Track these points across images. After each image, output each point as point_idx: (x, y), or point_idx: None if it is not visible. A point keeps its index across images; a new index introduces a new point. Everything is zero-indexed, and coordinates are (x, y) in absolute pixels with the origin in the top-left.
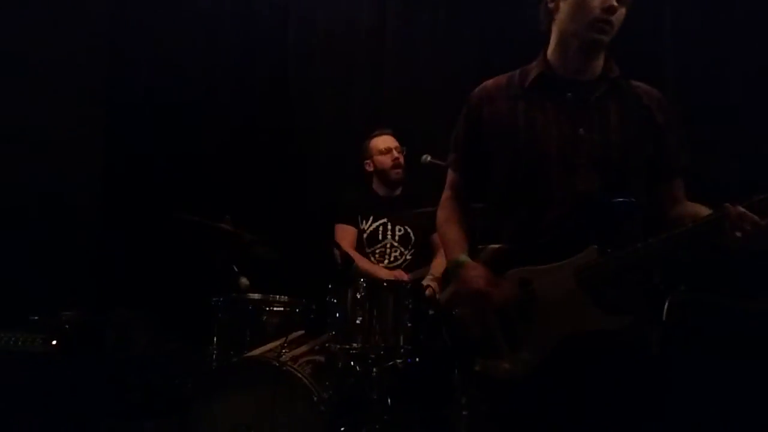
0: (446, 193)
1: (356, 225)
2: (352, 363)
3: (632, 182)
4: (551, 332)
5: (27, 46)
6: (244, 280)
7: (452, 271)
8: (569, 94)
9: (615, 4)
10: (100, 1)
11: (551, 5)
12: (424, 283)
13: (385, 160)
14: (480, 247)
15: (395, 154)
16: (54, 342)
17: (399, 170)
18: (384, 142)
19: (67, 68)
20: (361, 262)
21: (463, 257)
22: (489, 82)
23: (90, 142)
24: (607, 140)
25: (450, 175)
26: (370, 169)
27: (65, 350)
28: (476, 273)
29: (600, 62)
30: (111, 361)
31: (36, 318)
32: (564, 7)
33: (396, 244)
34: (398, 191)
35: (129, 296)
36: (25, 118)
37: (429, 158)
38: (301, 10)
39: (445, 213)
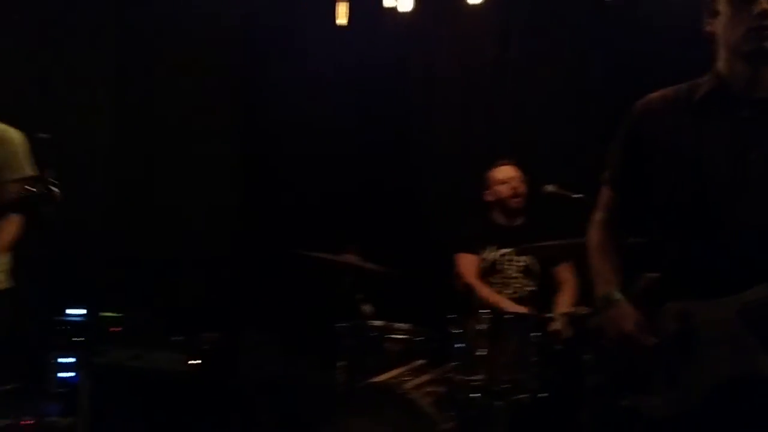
0: (598, 215)
1: (478, 254)
2: (474, 395)
3: None
4: (710, 372)
5: (172, 91)
6: (367, 307)
7: (601, 305)
8: (743, 113)
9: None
10: (234, 50)
11: (708, 29)
12: (552, 315)
13: (504, 190)
14: (636, 276)
15: (514, 183)
16: (195, 362)
17: (518, 199)
18: (502, 172)
19: (207, 110)
20: (484, 291)
21: (617, 295)
22: (654, 95)
23: (227, 175)
24: None
25: (604, 193)
26: (490, 199)
27: (205, 370)
28: (624, 314)
29: None
30: (243, 381)
31: (179, 338)
32: (719, 26)
33: (518, 275)
34: (519, 221)
35: (259, 319)
36: (168, 161)
37: (552, 188)
38: (422, 42)
39: (597, 237)
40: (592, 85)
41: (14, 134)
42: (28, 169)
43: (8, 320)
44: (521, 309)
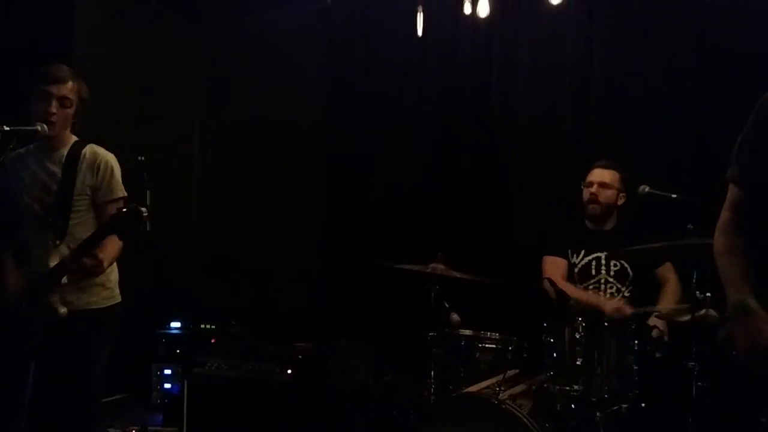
0: (726, 214)
1: (566, 257)
2: (572, 406)
3: None
4: None
5: (259, 109)
6: (455, 316)
7: (735, 312)
8: None
9: None
10: (315, 58)
11: None
12: (650, 323)
13: (585, 194)
14: None
15: (593, 188)
16: (289, 371)
17: (594, 206)
18: (591, 175)
19: (293, 128)
20: (577, 293)
21: (753, 303)
22: None
23: (315, 190)
24: None
25: (732, 191)
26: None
27: (298, 379)
28: (762, 327)
29: None
30: (335, 389)
31: (273, 348)
32: None
33: (611, 279)
34: (610, 225)
35: (349, 329)
36: (257, 179)
37: (647, 189)
38: (503, 46)
39: (726, 239)
40: (682, 80)
41: (108, 158)
42: (119, 191)
43: (116, 334)
44: (620, 304)
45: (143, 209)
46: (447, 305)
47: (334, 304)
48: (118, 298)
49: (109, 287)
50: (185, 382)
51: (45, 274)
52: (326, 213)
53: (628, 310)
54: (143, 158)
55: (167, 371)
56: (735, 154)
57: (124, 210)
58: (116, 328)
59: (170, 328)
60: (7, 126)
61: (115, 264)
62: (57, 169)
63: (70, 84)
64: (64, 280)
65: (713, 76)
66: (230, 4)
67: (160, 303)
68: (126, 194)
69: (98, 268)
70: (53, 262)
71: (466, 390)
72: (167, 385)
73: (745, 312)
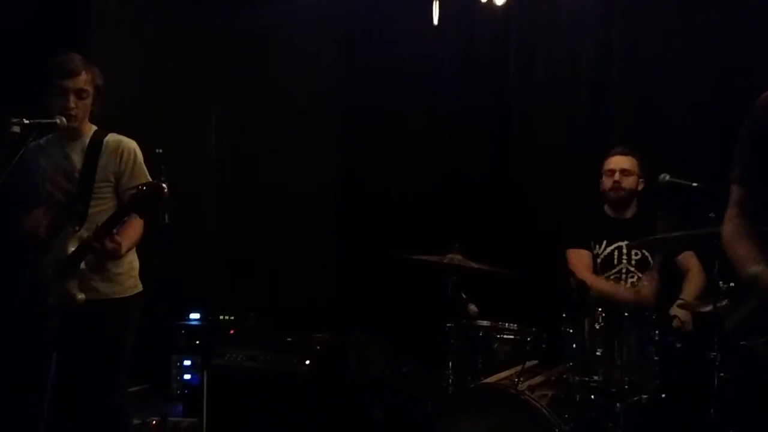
0: (731, 211)
1: (590, 249)
2: (592, 396)
3: None
4: None
5: (274, 101)
6: (472, 307)
7: (750, 285)
8: None
9: None
10: (330, 51)
11: None
12: (672, 312)
13: (606, 182)
14: None
15: (615, 176)
16: (307, 362)
17: (618, 192)
18: (610, 162)
19: (309, 119)
20: (601, 284)
21: (759, 268)
22: None
23: (331, 179)
24: None
25: (735, 191)
26: (601, 190)
27: (316, 370)
28: None
29: None
30: (353, 380)
31: (291, 339)
32: None
33: (633, 269)
34: (630, 213)
35: (366, 320)
36: (273, 169)
37: (668, 177)
38: (521, 34)
39: (732, 228)
40: (702, 68)
41: (132, 145)
42: (143, 176)
43: (138, 324)
44: (644, 295)
45: (164, 185)
46: (464, 296)
47: (351, 295)
48: (141, 288)
49: (133, 276)
50: (205, 372)
51: (63, 259)
52: (342, 204)
53: (651, 299)
54: (161, 150)
55: (187, 362)
56: (736, 156)
57: (145, 188)
58: (139, 316)
59: (189, 320)
60: (26, 119)
61: (135, 254)
62: (78, 158)
63: (84, 75)
64: (83, 265)
65: (733, 64)
66: None
67: (179, 294)
68: (150, 179)
69: (117, 252)
70: (72, 248)
71: (485, 381)
72: (187, 376)
73: (757, 278)
